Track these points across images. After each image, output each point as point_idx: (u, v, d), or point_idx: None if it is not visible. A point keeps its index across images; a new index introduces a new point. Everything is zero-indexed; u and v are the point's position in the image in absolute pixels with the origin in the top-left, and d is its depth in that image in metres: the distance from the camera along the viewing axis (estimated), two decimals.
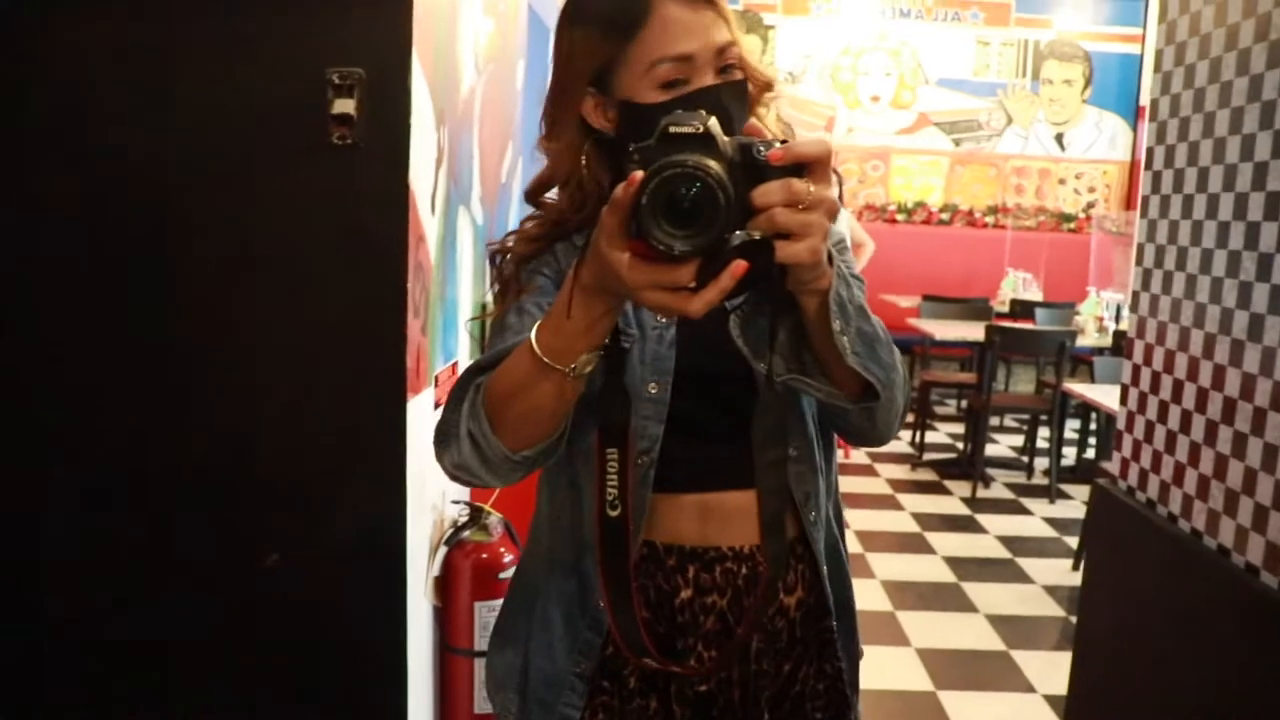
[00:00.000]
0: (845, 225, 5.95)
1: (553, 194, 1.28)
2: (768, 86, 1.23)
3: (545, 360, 1.02)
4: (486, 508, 2.61)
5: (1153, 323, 2.13)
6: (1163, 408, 2.08)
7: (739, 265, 0.91)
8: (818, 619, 1.33)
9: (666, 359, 1.24)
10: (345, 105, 2.01)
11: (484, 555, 2.51)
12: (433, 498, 2.50)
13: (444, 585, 2.53)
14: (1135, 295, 2.22)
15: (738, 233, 0.92)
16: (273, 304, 2.07)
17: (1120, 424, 2.27)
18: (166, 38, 2.01)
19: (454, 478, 1.16)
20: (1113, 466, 2.30)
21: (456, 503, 2.67)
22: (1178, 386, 2.03)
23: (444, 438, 1.13)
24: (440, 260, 2.45)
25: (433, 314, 2.38)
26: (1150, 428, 2.13)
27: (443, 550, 2.55)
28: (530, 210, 1.30)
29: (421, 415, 2.25)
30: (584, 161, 1.22)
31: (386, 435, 2.12)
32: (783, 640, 1.30)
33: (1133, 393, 2.21)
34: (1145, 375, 2.16)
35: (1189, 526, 1.97)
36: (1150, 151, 2.19)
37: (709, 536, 1.26)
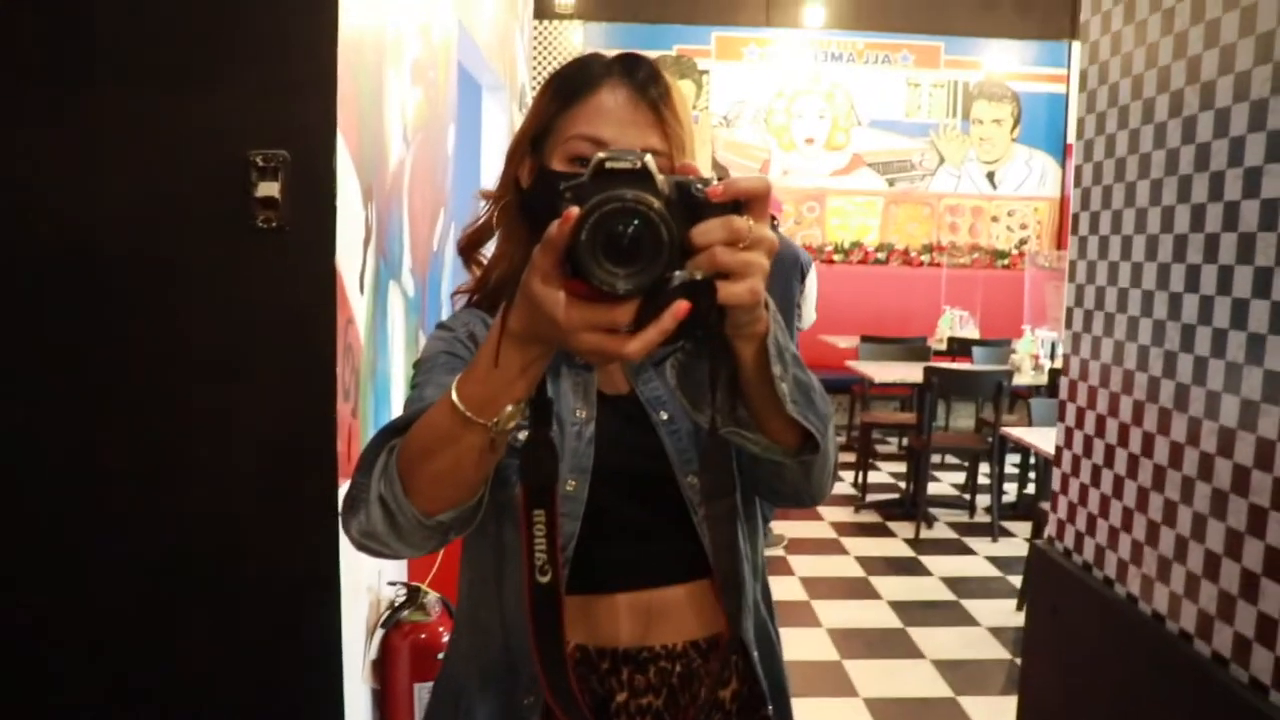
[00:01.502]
0: (812, 282, 5.87)
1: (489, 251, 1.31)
2: None
3: (467, 414, 0.96)
4: (424, 587, 2.57)
5: (1083, 387, 2.15)
6: (1095, 472, 2.10)
7: (681, 306, 0.86)
8: (754, 709, 1.31)
9: (585, 456, 1.21)
10: (269, 188, 1.99)
11: (422, 635, 2.47)
12: (368, 579, 2.46)
13: (382, 668, 2.49)
14: (1066, 359, 2.24)
15: (678, 273, 0.87)
16: (199, 387, 2.04)
17: (1055, 485, 2.29)
18: (90, 113, 1.98)
19: (361, 547, 1.09)
20: (1050, 526, 2.32)
21: (393, 584, 2.63)
22: (1109, 451, 2.05)
23: (353, 504, 1.07)
24: (370, 338, 2.43)
25: (364, 394, 2.35)
26: (1085, 491, 2.15)
27: (380, 632, 2.50)
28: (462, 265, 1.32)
29: None
30: (498, 212, 1.25)
31: (318, 519, 2.09)
32: None
33: (1066, 455, 2.23)
34: (1078, 439, 2.18)
35: (1125, 591, 1.98)
36: (1076, 217, 2.22)
37: (641, 636, 1.24)
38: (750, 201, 0.91)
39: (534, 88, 8.34)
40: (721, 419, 1.06)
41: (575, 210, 0.84)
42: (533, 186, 1.24)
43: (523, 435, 1.02)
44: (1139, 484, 1.93)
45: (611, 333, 0.87)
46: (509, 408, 0.96)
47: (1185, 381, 1.79)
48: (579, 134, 1.18)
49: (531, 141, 1.24)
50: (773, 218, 5.27)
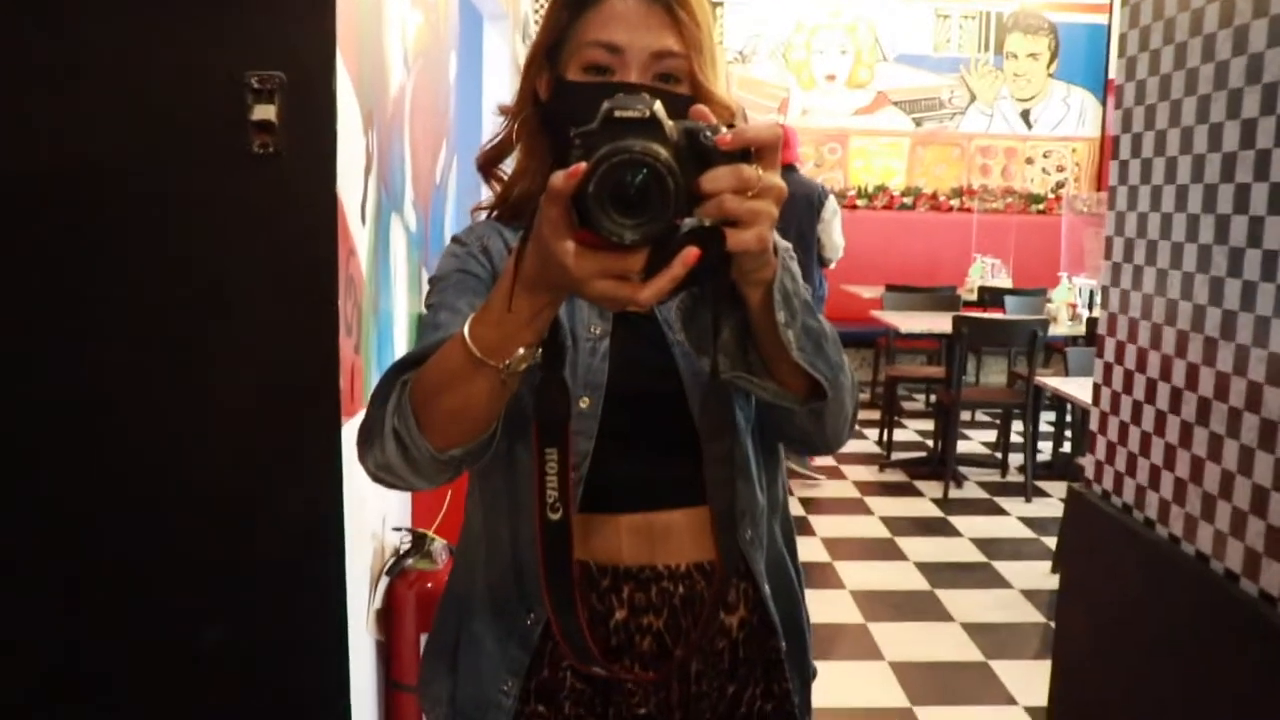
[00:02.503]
0: (831, 211, 6.05)
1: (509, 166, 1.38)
2: (727, 114, 1.24)
3: (479, 356, 1.03)
4: (430, 533, 2.62)
5: (1124, 319, 2.18)
6: (1136, 408, 2.13)
7: (691, 252, 0.93)
8: (763, 639, 1.36)
9: (599, 372, 1.27)
10: (266, 111, 2.01)
11: (429, 585, 2.52)
12: (372, 525, 2.50)
13: (387, 618, 2.53)
14: (1105, 291, 2.26)
15: (687, 220, 0.93)
16: (194, 324, 2.06)
17: (1094, 425, 2.32)
18: (73, 38, 2.00)
19: (377, 479, 1.17)
20: (1088, 468, 2.35)
21: (398, 529, 2.68)
22: (1151, 386, 2.08)
23: (368, 437, 1.14)
24: (373, 273, 2.46)
25: (366, 330, 2.38)
26: (1124, 429, 2.18)
27: (384, 581, 2.55)
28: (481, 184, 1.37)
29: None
30: (516, 126, 1.32)
31: (321, 461, 2.12)
32: (725, 662, 1.33)
33: (1105, 392, 2.26)
34: (1117, 374, 2.21)
35: (1167, 532, 2.02)
36: (1117, 140, 2.24)
37: (645, 556, 1.29)
38: (760, 150, 0.97)
39: (537, 19, 8.31)
40: (731, 363, 1.13)
41: (582, 165, 0.90)
42: (551, 98, 1.29)
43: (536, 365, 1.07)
44: (1182, 419, 1.96)
45: (623, 280, 0.93)
46: (520, 350, 1.03)
47: (1232, 308, 1.81)
48: (593, 40, 1.23)
49: (547, 53, 1.29)
50: (791, 165, 5.39)
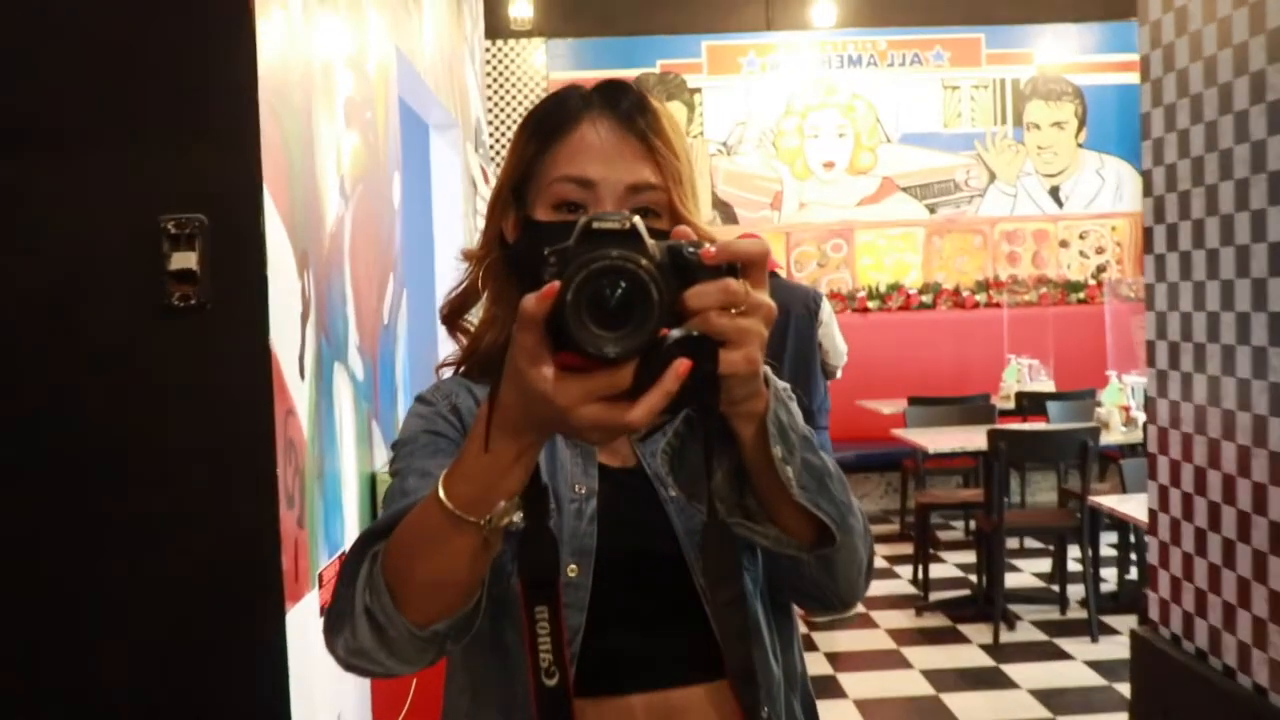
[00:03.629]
0: (827, 313, 6.14)
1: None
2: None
3: (457, 513, 1.05)
4: None
5: (1176, 435, 2.22)
6: (1200, 537, 2.15)
7: (683, 364, 0.96)
8: None
9: (587, 536, 1.30)
10: (185, 259, 2.06)
11: None
12: None
13: None
14: (1152, 403, 2.30)
15: (674, 331, 0.97)
16: (112, 498, 2.08)
17: (1153, 557, 2.34)
18: None
19: (349, 667, 1.18)
20: (1151, 607, 2.36)
21: None
22: (1214, 511, 2.10)
23: (337, 620, 1.16)
24: (315, 433, 2.48)
25: (311, 499, 2.40)
26: (1189, 562, 2.20)
27: None
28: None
29: (305, 625, 2.25)
30: (482, 272, 1.36)
31: (262, 659, 2.12)
32: None
33: (1163, 520, 2.29)
34: (1175, 498, 2.23)
35: (1250, 681, 2.02)
36: (1150, 232, 2.30)
37: None
38: (747, 265, 1.02)
39: (491, 123, 8.48)
40: (727, 509, 1.16)
41: (556, 284, 0.94)
42: (519, 241, 1.34)
43: (517, 517, 1.09)
44: (1254, 547, 1.98)
45: (611, 403, 0.96)
46: (502, 503, 1.05)
47: None
48: (562, 176, 1.29)
49: (513, 191, 1.35)
50: (773, 271, 5.49)
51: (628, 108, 1.31)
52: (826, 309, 6.16)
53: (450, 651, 1.18)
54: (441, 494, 1.06)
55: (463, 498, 1.05)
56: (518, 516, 1.08)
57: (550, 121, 1.32)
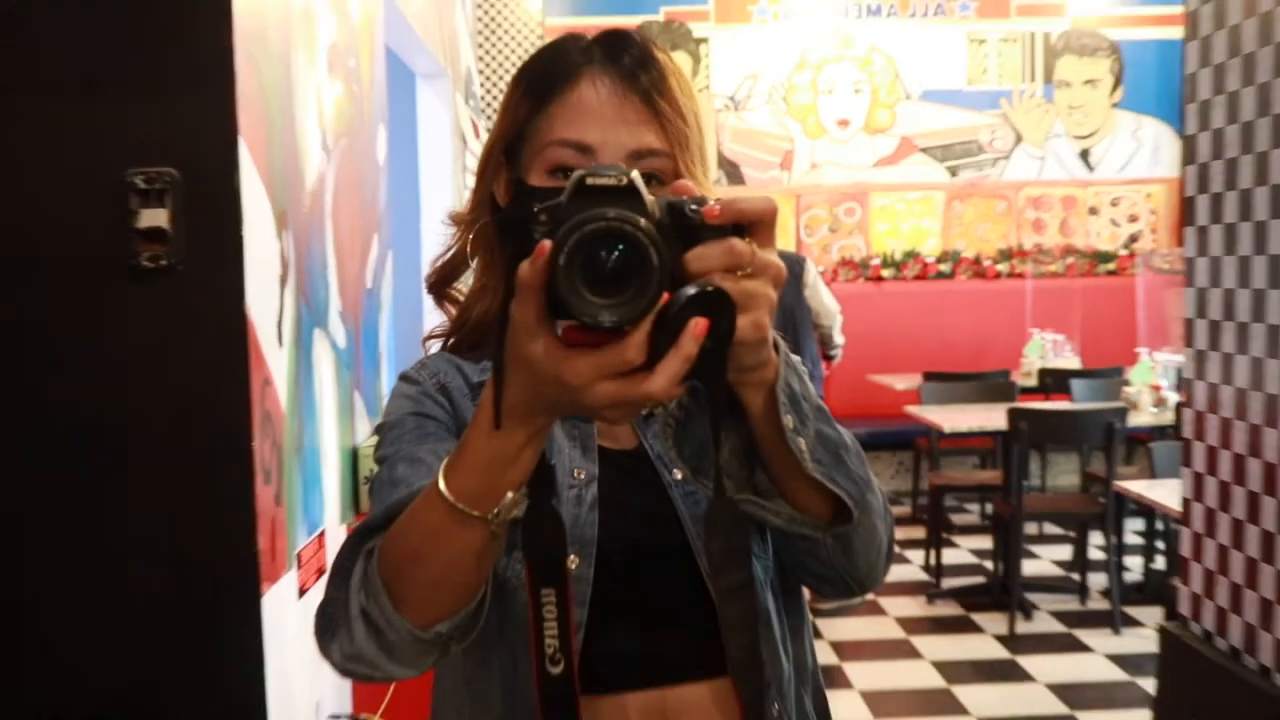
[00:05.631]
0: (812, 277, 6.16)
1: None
2: None
3: (461, 508, 1.04)
4: (374, 718, 2.60)
5: (1214, 420, 2.20)
6: (1237, 529, 2.15)
7: (699, 323, 0.95)
8: None
9: (588, 525, 1.29)
10: (156, 217, 2.04)
11: None
12: (303, 712, 2.49)
13: None
14: (1189, 384, 2.29)
15: (685, 289, 0.96)
16: (74, 476, 2.08)
17: (1185, 549, 2.33)
18: None
19: (345, 672, 1.18)
20: (1182, 602, 2.36)
21: (336, 718, 2.66)
22: (1254, 501, 2.09)
23: (329, 624, 1.15)
24: (294, 404, 2.47)
25: (289, 474, 2.39)
26: (1224, 555, 2.19)
27: None
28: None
29: (282, 608, 2.25)
30: (471, 237, 1.35)
31: (237, 641, 2.12)
32: None
33: (1197, 509, 2.28)
34: (1211, 487, 2.23)
35: None
36: (1192, 202, 2.28)
37: None
38: (754, 224, 1.00)
39: (482, 72, 8.43)
40: (735, 486, 1.15)
41: (548, 244, 0.93)
42: (510, 205, 1.31)
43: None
44: None
45: (627, 377, 0.95)
46: (509, 494, 1.04)
47: None
48: (558, 139, 1.27)
49: (505, 151, 1.33)
50: None
51: (630, 63, 1.29)
52: (811, 271, 6.18)
53: (454, 652, 1.16)
54: (442, 487, 1.05)
55: (466, 491, 1.04)
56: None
57: (546, 77, 1.30)
